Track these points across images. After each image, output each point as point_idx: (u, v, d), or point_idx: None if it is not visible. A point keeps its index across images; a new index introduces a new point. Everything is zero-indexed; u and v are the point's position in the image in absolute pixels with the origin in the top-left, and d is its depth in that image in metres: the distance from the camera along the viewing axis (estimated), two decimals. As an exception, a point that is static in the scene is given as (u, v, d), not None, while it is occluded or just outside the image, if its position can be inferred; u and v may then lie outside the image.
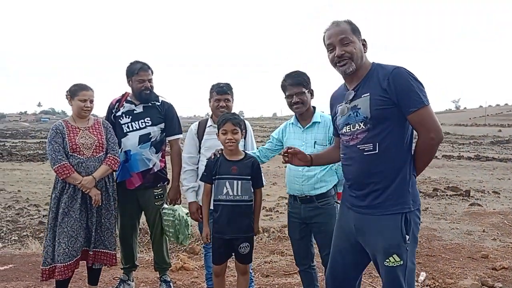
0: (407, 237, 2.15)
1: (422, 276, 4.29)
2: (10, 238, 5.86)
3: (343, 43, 2.25)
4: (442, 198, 9.05)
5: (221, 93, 3.40)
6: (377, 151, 2.19)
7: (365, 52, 2.31)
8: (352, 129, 2.27)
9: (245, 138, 3.43)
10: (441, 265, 4.72)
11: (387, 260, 2.15)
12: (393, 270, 2.15)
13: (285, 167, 3.29)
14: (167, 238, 3.83)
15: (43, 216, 7.10)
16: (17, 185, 10.79)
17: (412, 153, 2.25)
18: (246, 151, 3.22)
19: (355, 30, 2.29)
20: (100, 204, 3.30)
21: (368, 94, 2.20)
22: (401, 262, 2.14)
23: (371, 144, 2.19)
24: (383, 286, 2.24)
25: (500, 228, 6.45)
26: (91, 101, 3.37)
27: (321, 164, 2.84)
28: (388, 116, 2.16)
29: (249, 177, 3.02)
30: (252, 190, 3.07)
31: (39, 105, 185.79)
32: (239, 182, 2.98)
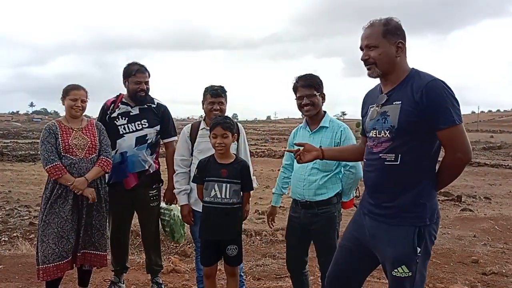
0: (419, 249, 2.12)
1: None
2: (0, 239, 5.81)
3: (368, 47, 2.21)
4: (434, 203, 9.11)
5: (215, 95, 3.40)
6: (398, 163, 2.15)
7: (397, 57, 2.19)
8: (377, 135, 2.23)
9: (238, 141, 3.44)
10: (432, 269, 4.74)
11: (395, 270, 2.13)
12: (400, 280, 2.13)
13: (278, 170, 3.29)
14: (164, 237, 3.84)
15: (34, 217, 7.04)
16: (8, 186, 10.70)
17: (437, 167, 2.20)
18: (237, 154, 3.23)
19: (387, 33, 2.18)
20: (95, 202, 3.29)
21: (400, 102, 2.14)
22: (410, 274, 2.12)
23: (393, 155, 2.15)
24: None
25: (490, 234, 6.51)
26: (83, 101, 3.35)
27: (335, 159, 2.80)
28: (415, 129, 2.10)
29: (239, 181, 3.03)
30: (241, 194, 3.08)
31: (31, 105, 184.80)
32: (228, 185, 2.99)
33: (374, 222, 2.26)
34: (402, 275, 2.11)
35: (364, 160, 2.40)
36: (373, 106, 2.31)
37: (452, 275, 4.58)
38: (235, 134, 3.13)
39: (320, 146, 2.70)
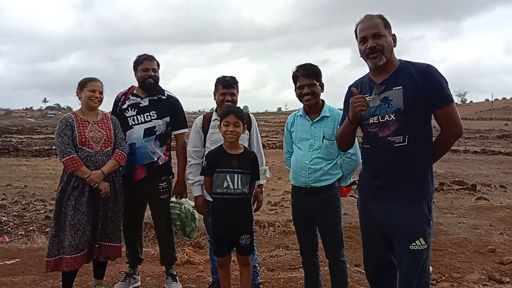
0: (431, 222, 2.34)
1: (429, 270, 4.26)
2: (17, 232, 5.91)
3: (375, 36, 2.34)
4: (449, 192, 9.00)
5: (227, 87, 3.38)
6: (406, 143, 2.31)
7: (394, 47, 2.40)
8: (381, 120, 2.36)
9: (249, 131, 3.43)
10: (448, 259, 4.70)
11: (414, 244, 2.29)
12: (418, 253, 2.30)
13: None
14: (174, 232, 3.84)
15: (49, 211, 7.13)
16: (23, 181, 10.85)
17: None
18: (244, 145, 3.22)
19: (386, 25, 2.39)
20: (109, 195, 3.30)
21: (401, 87, 2.31)
22: (425, 246, 2.31)
23: (401, 136, 2.31)
24: (404, 270, 2.36)
25: (507, 222, 6.41)
26: (100, 92, 3.38)
27: (347, 134, 2.64)
28: (419, 109, 2.30)
29: (249, 171, 3.04)
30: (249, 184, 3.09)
31: (44, 101, 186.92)
32: (240, 175, 3.00)
33: (383, 204, 2.41)
34: (420, 247, 2.29)
35: (365, 146, 2.51)
36: (366, 96, 2.43)
37: (469, 264, 4.53)
38: (245, 126, 3.12)
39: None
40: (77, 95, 3.40)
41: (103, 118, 3.43)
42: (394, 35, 2.41)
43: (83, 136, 3.25)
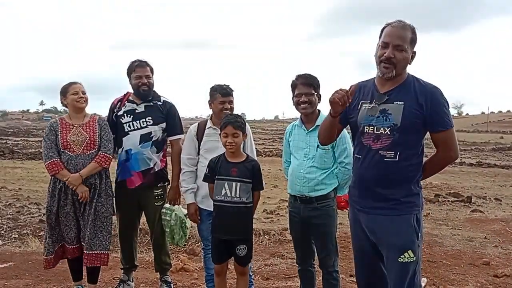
0: (420, 234, 2.34)
1: (423, 282, 4.25)
2: (10, 236, 5.85)
3: (397, 48, 2.27)
4: (444, 204, 9.02)
5: (226, 95, 3.39)
6: (396, 159, 2.31)
7: (409, 64, 2.36)
8: (376, 132, 2.34)
9: (244, 140, 3.44)
10: (442, 271, 4.70)
11: (402, 257, 2.29)
12: (406, 265, 2.30)
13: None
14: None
15: (44, 214, 7.08)
16: (18, 183, 10.77)
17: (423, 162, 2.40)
18: (248, 154, 3.22)
19: (413, 41, 2.33)
20: (87, 200, 3.33)
21: (402, 103, 2.29)
22: (414, 258, 2.30)
23: (393, 152, 2.31)
24: (394, 283, 2.34)
25: (501, 235, 6.41)
26: (83, 92, 3.44)
27: (326, 126, 2.62)
28: (415, 129, 2.30)
29: (249, 180, 3.03)
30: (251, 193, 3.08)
31: (41, 103, 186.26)
32: (238, 184, 3.00)
33: (371, 216, 2.41)
34: (408, 260, 2.29)
35: (357, 155, 2.48)
36: (366, 102, 2.40)
37: (463, 277, 4.53)
38: (246, 134, 3.13)
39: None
40: (62, 103, 3.48)
41: (90, 121, 3.46)
42: (414, 52, 2.36)
43: (64, 140, 3.32)
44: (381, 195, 2.36)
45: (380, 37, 2.37)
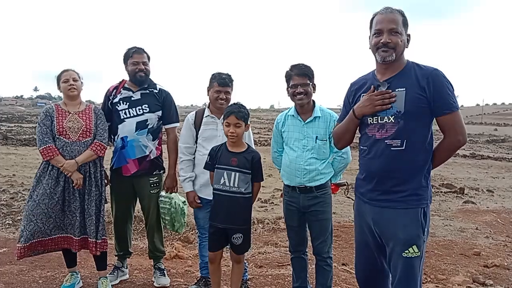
0: (426, 229, 2.28)
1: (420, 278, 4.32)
2: (4, 222, 5.85)
3: (392, 32, 2.25)
4: (437, 194, 9.09)
5: (222, 85, 3.37)
6: (403, 148, 2.25)
7: (406, 47, 2.32)
8: (380, 121, 2.30)
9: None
10: (434, 261, 4.76)
11: (406, 251, 2.24)
12: (410, 260, 2.25)
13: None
14: (163, 226, 3.84)
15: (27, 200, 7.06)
16: (12, 169, 10.73)
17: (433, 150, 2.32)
18: (249, 144, 3.22)
19: (405, 23, 2.30)
20: (81, 187, 3.31)
21: (404, 89, 2.24)
22: (418, 253, 2.25)
23: (399, 140, 2.25)
24: (397, 278, 2.29)
25: (493, 226, 6.50)
26: (75, 79, 3.40)
27: (349, 131, 2.53)
28: (420, 114, 2.23)
29: (248, 171, 3.04)
30: (251, 184, 3.09)
31: (35, 89, 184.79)
32: (237, 174, 3.00)
33: (377, 209, 2.35)
34: (413, 255, 2.24)
35: (363, 147, 2.43)
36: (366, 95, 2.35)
37: (454, 267, 4.59)
38: (248, 124, 3.12)
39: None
40: (59, 90, 3.47)
41: (86, 109, 3.45)
42: (409, 35, 2.32)
43: (60, 126, 3.30)
44: (388, 186, 2.30)
45: (370, 28, 2.36)
